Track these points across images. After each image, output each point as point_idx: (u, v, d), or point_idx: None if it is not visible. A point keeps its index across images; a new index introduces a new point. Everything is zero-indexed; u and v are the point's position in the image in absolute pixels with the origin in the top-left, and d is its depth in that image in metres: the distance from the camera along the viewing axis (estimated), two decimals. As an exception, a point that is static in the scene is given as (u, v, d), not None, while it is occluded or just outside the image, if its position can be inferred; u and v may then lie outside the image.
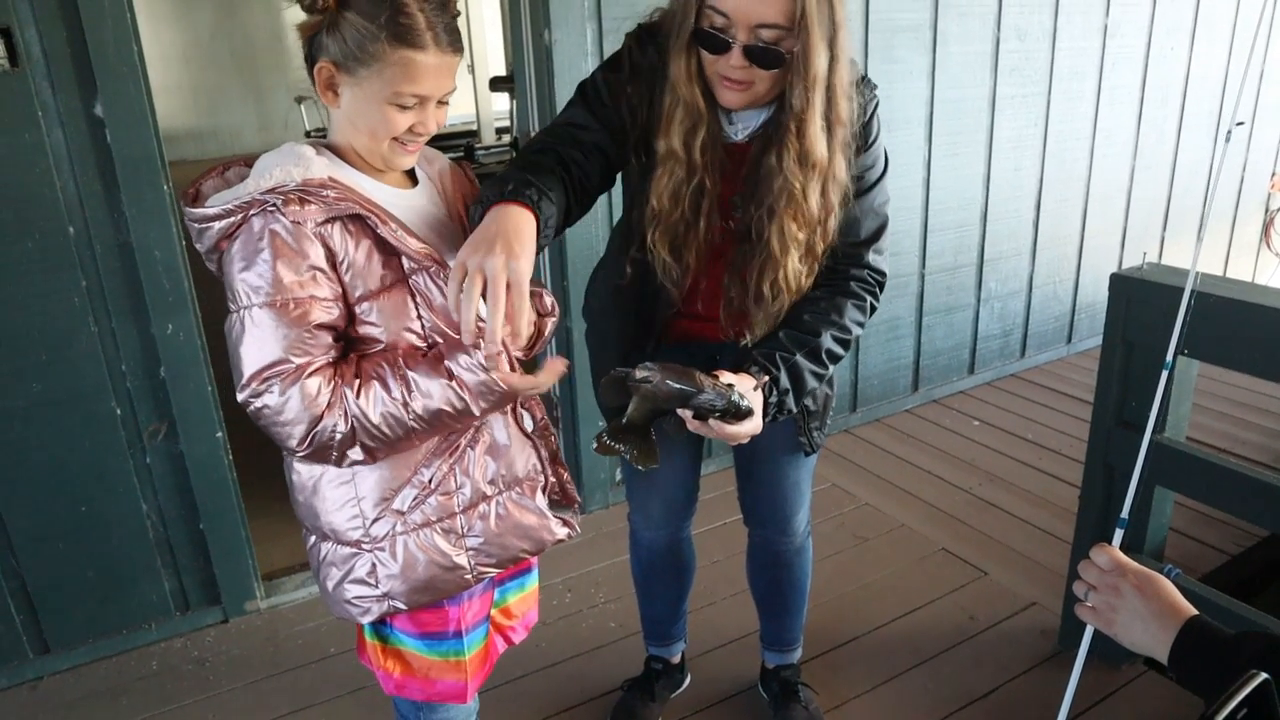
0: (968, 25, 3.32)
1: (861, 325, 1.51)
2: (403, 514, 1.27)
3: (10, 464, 2.13)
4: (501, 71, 11.12)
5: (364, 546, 1.27)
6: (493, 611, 1.48)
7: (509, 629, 1.53)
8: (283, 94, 12.44)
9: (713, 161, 1.42)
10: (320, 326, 1.14)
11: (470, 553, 1.31)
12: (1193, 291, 1.57)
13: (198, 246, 1.20)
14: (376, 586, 1.28)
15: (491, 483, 1.32)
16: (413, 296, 1.21)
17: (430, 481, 1.27)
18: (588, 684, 2.23)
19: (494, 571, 1.36)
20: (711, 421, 1.20)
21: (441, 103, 1.22)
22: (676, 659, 2.14)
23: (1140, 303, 1.96)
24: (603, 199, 2.64)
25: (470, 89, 11.81)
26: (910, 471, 3.24)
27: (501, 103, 11.55)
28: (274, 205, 1.12)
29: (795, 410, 1.42)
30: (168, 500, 2.34)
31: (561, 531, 1.42)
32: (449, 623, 1.36)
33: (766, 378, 1.35)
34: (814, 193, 1.39)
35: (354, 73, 1.16)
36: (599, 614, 2.49)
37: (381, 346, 1.20)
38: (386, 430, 1.16)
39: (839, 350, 1.48)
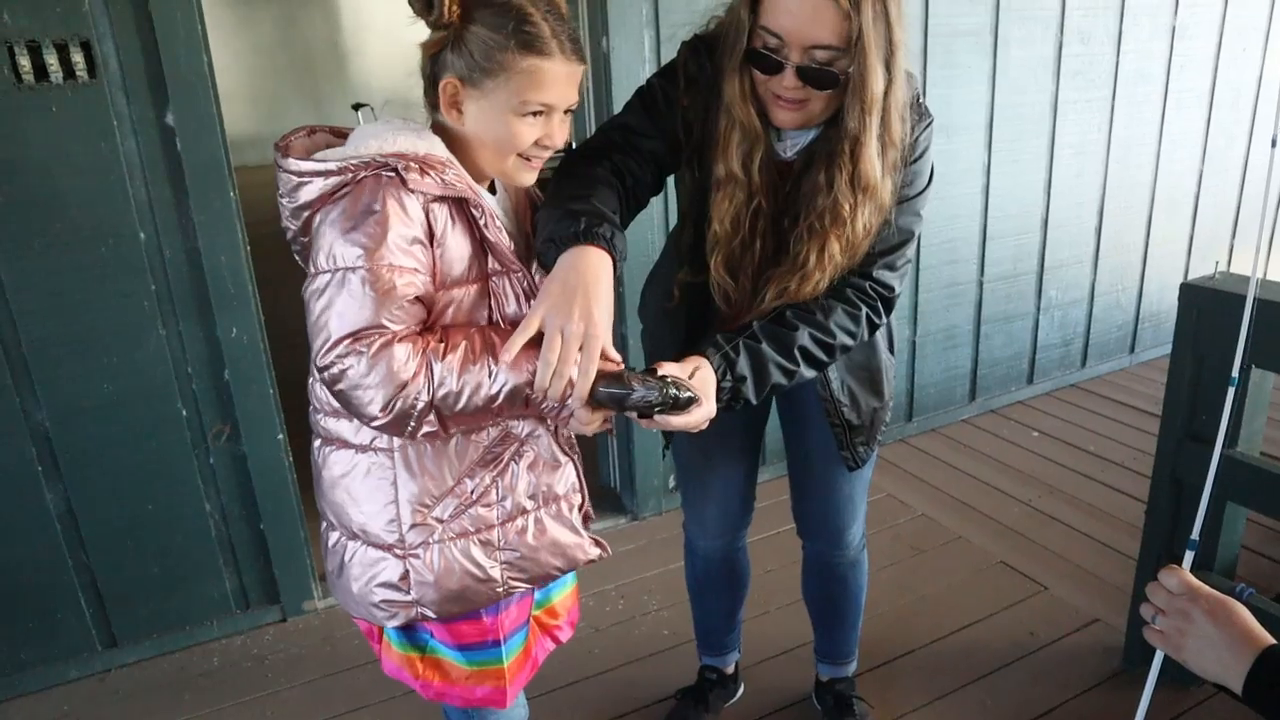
0: (1029, 29, 3.26)
1: (852, 335, 1.42)
2: (443, 522, 1.25)
3: (82, 462, 2.19)
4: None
5: (396, 551, 1.26)
6: (537, 613, 1.47)
7: (555, 628, 1.51)
8: (341, 101, 12.66)
9: (768, 182, 1.41)
10: (416, 299, 1.13)
11: (504, 566, 1.30)
12: (1256, 301, 1.52)
13: (284, 202, 1.18)
14: (408, 593, 1.27)
15: (532, 498, 1.31)
16: (490, 296, 1.21)
17: (472, 492, 1.26)
18: (640, 691, 2.22)
19: (524, 587, 1.35)
20: (657, 417, 1.16)
21: (567, 112, 1.22)
22: (730, 669, 2.13)
23: (1211, 313, 1.91)
24: (658, 204, 2.66)
25: (524, 95, 11.94)
26: (967, 482, 3.18)
27: (554, 109, 11.65)
28: (395, 171, 1.12)
29: (754, 401, 1.34)
30: (230, 500, 2.39)
31: (594, 552, 1.40)
32: (488, 633, 1.35)
33: (719, 360, 1.29)
34: (861, 216, 1.36)
35: (480, 85, 1.16)
36: (652, 621, 2.49)
37: None
38: (467, 397, 1.13)
39: (818, 352, 1.39)
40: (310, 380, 1.28)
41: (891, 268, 1.45)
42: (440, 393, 1.12)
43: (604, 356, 1.12)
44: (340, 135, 1.24)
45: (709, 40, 1.41)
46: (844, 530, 1.84)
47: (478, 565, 1.28)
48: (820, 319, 1.39)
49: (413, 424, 1.13)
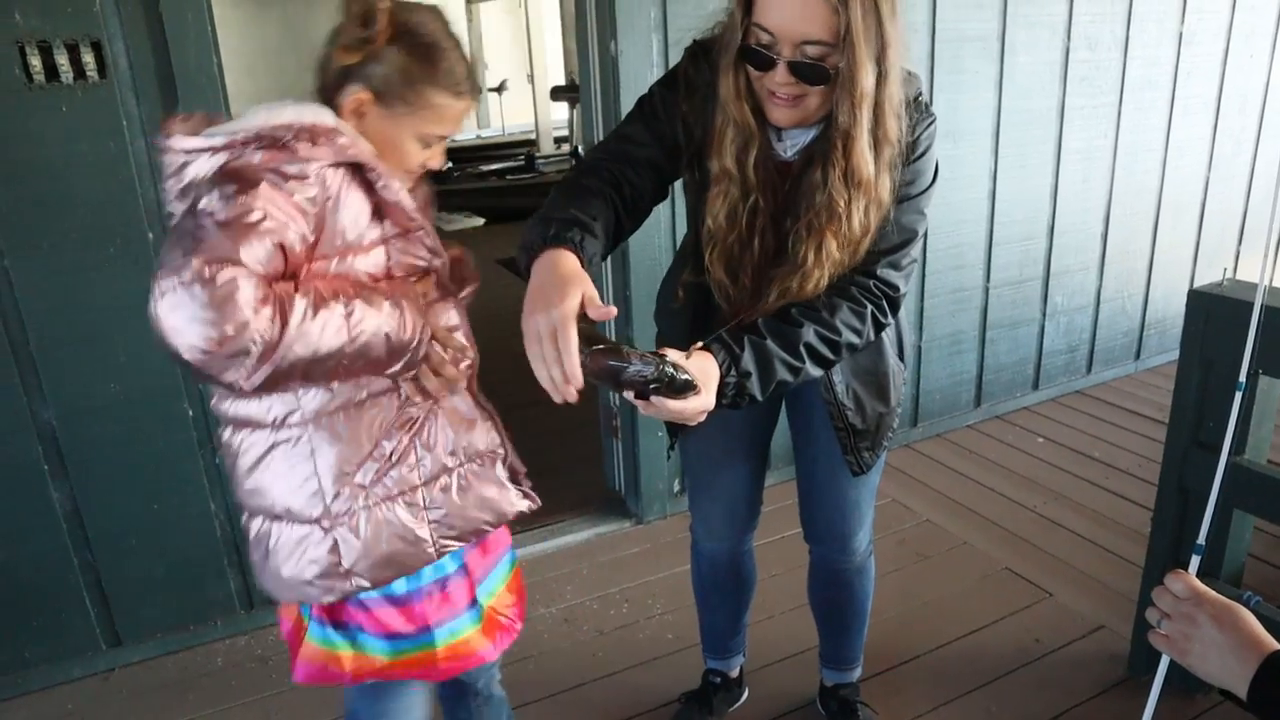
0: (1036, 35, 3.26)
1: (858, 333, 1.41)
2: (365, 488, 1.26)
3: (88, 461, 2.20)
4: (560, 81, 11.25)
5: (323, 524, 1.26)
6: (490, 603, 1.46)
7: (506, 616, 1.50)
8: (346, 103, 12.70)
9: (766, 180, 1.41)
10: (279, 246, 1.11)
11: (433, 525, 1.32)
12: (1264, 307, 1.51)
13: (170, 184, 1.16)
14: (340, 563, 1.27)
15: (452, 454, 1.34)
16: (390, 259, 1.24)
17: (391, 455, 1.27)
18: (644, 695, 2.22)
19: (456, 545, 1.36)
20: (653, 398, 1.14)
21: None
22: (735, 673, 2.13)
23: (1219, 320, 1.90)
24: (666, 212, 2.66)
25: (530, 98, 11.95)
26: (972, 488, 3.18)
27: (560, 112, 11.68)
28: (285, 140, 1.14)
29: (760, 398, 1.33)
30: (235, 501, 2.39)
31: (523, 504, 1.43)
32: (415, 620, 1.36)
33: (723, 354, 1.28)
34: (857, 212, 1.36)
35: (391, 106, 1.22)
36: (656, 625, 2.49)
37: None
38: (320, 340, 1.12)
39: (823, 350, 1.37)
40: None
41: (896, 266, 1.45)
42: (293, 329, 1.09)
43: (591, 305, 1.10)
44: (210, 121, 1.22)
45: (709, 45, 1.42)
46: (850, 536, 1.83)
47: (405, 527, 1.30)
48: (826, 316, 1.38)
49: (244, 362, 1.07)
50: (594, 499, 3.10)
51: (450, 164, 10.38)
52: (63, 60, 1.94)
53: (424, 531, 1.32)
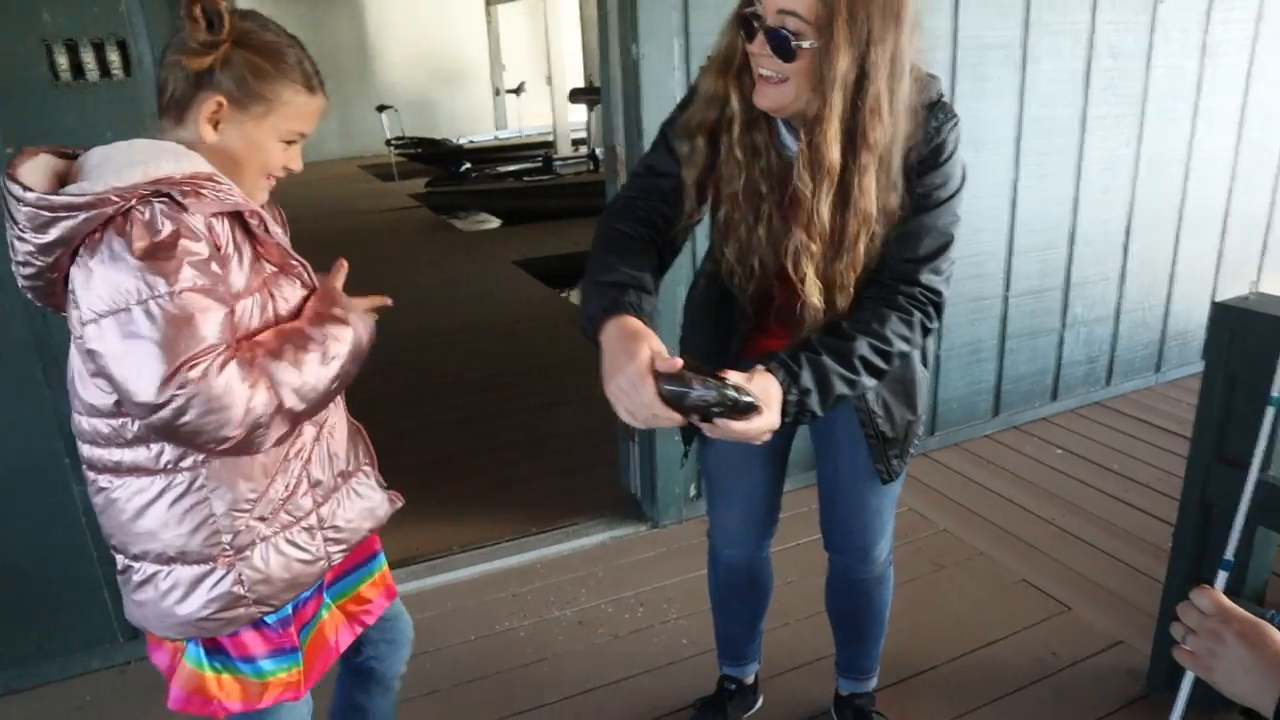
0: (1059, 43, 3.24)
1: (908, 341, 1.42)
2: (265, 519, 1.28)
3: (108, 458, 2.21)
4: (578, 83, 11.29)
5: (224, 561, 1.26)
6: (342, 601, 1.51)
7: (362, 614, 1.54)
8: (365, 103, 12.78)
9: (768, 168, 1.42)
10: (227, 312, 1.15)
11: (328, 543, 1.37)
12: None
13: (28, 237, 1.11)
14: (245, 595, 1.28)
15: (340, 475, 1.39)
16: (272, 300, 1.25)
17: (286, 486, 1.30)
18: (659, 700, 2.22)
19: (343, 554, 1.42)
20: (717, 420, 1.20)
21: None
22: (750, 679, 2.12)
23: (1245, 334, 1.89)
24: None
25: (548, 100, 12.00)
26: (990, 499, 3.16)
27: (578, 114, 11.71)
28: (169, 195, 1.11)
29: (820, 413, 1.35)
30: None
31: (393, 506, 1.50)
32: (282, 642, 1.37)
33: (782, 374, 1.30)
34: (825, 202, 1.34)
35: (248, 109, 1.22)
36: (671, 630, 2.48)
37: None
38: (314, 382, 1.20)
39: (876, 360, 1.39)
40: (77, 417, 1.26)
41: (937, 271, 1.45)
42: (286, 390, 1.16)
43: (659, 359, 1.20)
44: (64, 155, 1.19)
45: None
46: (871, 545, 1.83)
47: (304, 549, 1.34)
48: (876, 328, 1.39)
49: (262, 433, 1.16)
50: (610, 502, 3.10)
51: (468, 164, 10.47)
52: (89, 58, 1.96)
53: (319, 550, 1.36)
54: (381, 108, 11.44)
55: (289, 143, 1.28)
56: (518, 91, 13.55)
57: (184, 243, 1.11)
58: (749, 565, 1.93)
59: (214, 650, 1.34)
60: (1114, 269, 3.76)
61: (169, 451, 1.21)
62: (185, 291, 1.09)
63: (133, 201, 1.09)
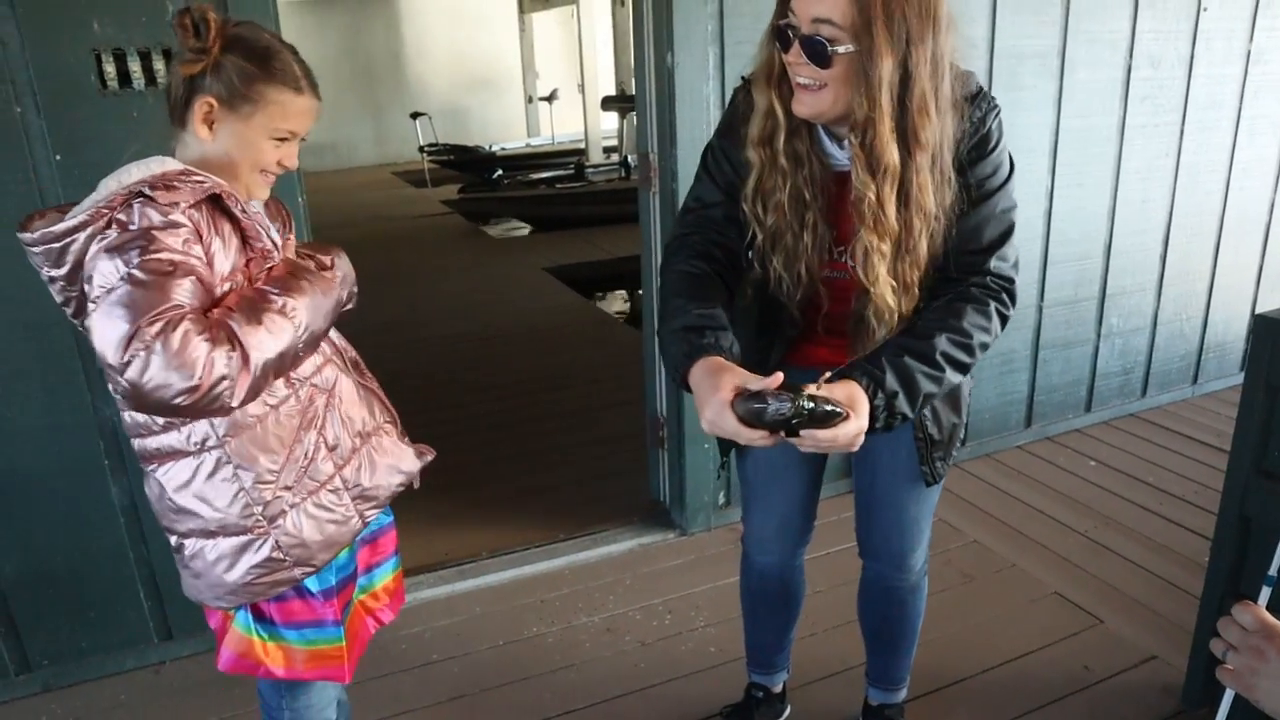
0: (1097, 52, 3.21)
1: (986, 330, 1.42)
2: (290, 488, 1.38)
3: (147, 458, 2.25)
4: (610, 91, 11.33)
5: (259, 531, 1.37)
6: (362, 597, 1.60)
7: (379, 610, 1.64)
8: (399, 110, 12.92)
9: (811, 175, 1.44)
10: (198, 280, 1.21)
11: (355, 500, 1.46)
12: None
13: (54, 272, 1.26)
14: (285, 559, 1.39)
15: (358, 435, 1.46)
16: (249, 281, 1.32)
17: (305, 454, 1.39)
18: (686, 708, 2.21)
19: (376, 513, 1.51)
20: (803, 433, 1.21)
21: (301, 140, 1.39)
22: (778, 688, 2.11)
23: (1287, 347, 1.85)
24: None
25: (580, 108, 12.05)
26: (1022, 510, 3.13)
27: (610, 121, 11.75)
28: (143, 195, 1.21)
29: (911, 415, 1.37)
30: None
31: (421, 460, 1.57)
32: (322, 612, 1.48)
33: (866, 379, 1.31)
34: (890, 202, 1.35)
35: (237, 109, 1.30)
36: (699, 637, 2.48)
37: None
38: (275, 334, 1.24)
39: (959, 355, 1.39)
40: (123, 413, 1.36)
41: (1004, 259, 1.46)
42: (250, 344, 1.20)
43: (750, 383, 1.24)
44: (65, 211, 1.28)
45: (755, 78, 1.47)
46: (908, 553, 1.82)
47: (333, 510, 1.43)
48: (954, 322, 1.40)
49: (228, 388, 1.18)
50: (638, 509, 3.10)
51: (500, 171, 10.54)
52: (135, 67, 2.00)
53: (349, 509, 1.45)
54: (415, 115, 11.55)
55: (281, 140, 1.34)
56: (550, 99, 13.61)
57: (157, 227, 1.20)
58: (782, 573, 1.93)
59: (260, 617, 1.46)
60: (1151, 280, 3.71)
61: (197, 432, 1.32)
62: (152, 259, 1.17)
63: (114, 212, 1.21)
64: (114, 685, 2.35)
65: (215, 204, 1.28)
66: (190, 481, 1.35)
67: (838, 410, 1.22)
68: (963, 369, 1.41)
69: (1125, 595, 2.64)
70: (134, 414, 1.33)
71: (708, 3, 2.52)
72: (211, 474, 1.34)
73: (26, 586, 2.24)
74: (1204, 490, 3.15)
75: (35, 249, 1.26)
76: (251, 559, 1.38)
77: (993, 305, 1.44)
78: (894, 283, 1.41)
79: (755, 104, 1.44)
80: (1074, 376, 3.66)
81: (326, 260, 1.45)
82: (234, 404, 1.21)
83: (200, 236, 1.24)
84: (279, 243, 1.39)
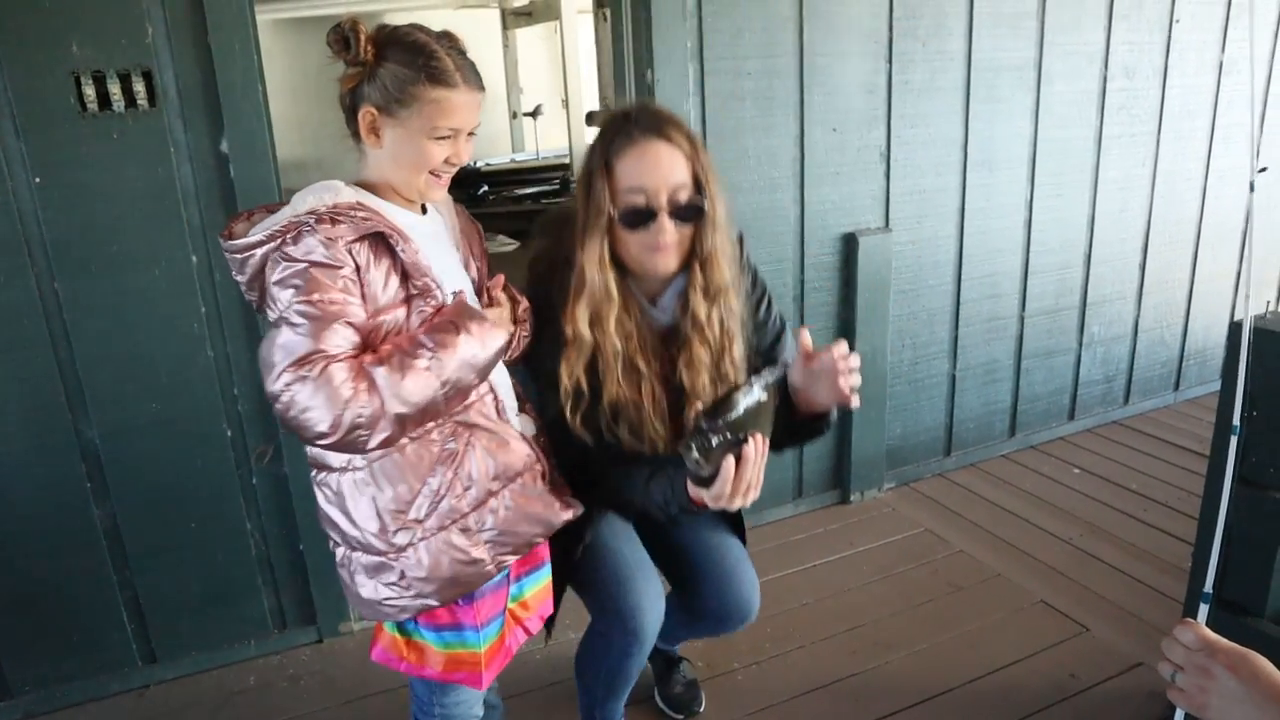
0: (1073, 63, 3.25)
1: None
2: (420, 522, 1.39)
3: (128, 479, 2.23)
4: (594, 107, 11.33)
5: (390, 556, 1.40)
6: (512, 605, 1.58)
7: (526, 620, 1.62)
8: (384, 127, 12.89)
9: (643, 343, 1.58)
10: (350, 324, 1.26)
11: (487, 545, 1.45)
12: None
13: (238, 278, 1.34)
14: (409, 589, 1.42)
15: (495, 479, 1.45)
16: (411, 317, 1.34)
17: (438, 489, 1.39)
18: None
19: (512, 558, 1.50)
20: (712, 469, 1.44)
21: (470, 135, 1.39)
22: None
23: (1264, 353, 1.87)
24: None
25: (564, 124, 12.05)
26: (1006, 519, 3.14)
27: (593, 137, 11.73)
28: (309, 225, 1.26)
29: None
30: (270, 521, 2.42)
31: (567, 513, 1.54)
32: (461, 618, 1.49)
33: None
34: (715, 318, 1.57)
35: (395, 114, 1.33)
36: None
37: None
38: (419, 387, 1.26)
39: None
40: None
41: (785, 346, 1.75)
42: (389, 394, 1.23)
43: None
44: (272, 211, 1.35)
45: (545, 261, 1.63)
46: (756, 602, 1.83)
47: (462, 551, 1.42)
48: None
49: (364, 435, 1.24)
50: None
51: (486, 187, 10.52)
52: (115, 89, 1.99)
53: (480, 552, 1.44)
54: (399, 131, 11.50)
55: (444, 138, 1.35)
56: (535, 114, 13.60)
57: (318, 261, 1.25)
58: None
59: None
60: (1131, 288, 3.74)
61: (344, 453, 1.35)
62: (310, 303, 1.23)
63: (286, 235, 1.26)
64: (97, 710, 2.33)
65: (379, 239, 1.31)
66: (336, 495, 1.41)
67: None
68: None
69: (1111, 602, 2.65)
70: None
71: (687, 19, 2.54)
72: (352, 492, 1.39)
73: (6, 611, 2.22)
74: (1187, 496, 3.17)
75: (227, 255, 1.33)
76: (384, 580, 1.42)
77: None
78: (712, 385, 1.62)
79: (586, 286, 1.51)
80: (1057, 385, 3.68)
81: (521, 308, 1.51)
82: (370, 448, 1.27)
83: (359, 272, 1.28)
84: (439, 283, 1.37)
